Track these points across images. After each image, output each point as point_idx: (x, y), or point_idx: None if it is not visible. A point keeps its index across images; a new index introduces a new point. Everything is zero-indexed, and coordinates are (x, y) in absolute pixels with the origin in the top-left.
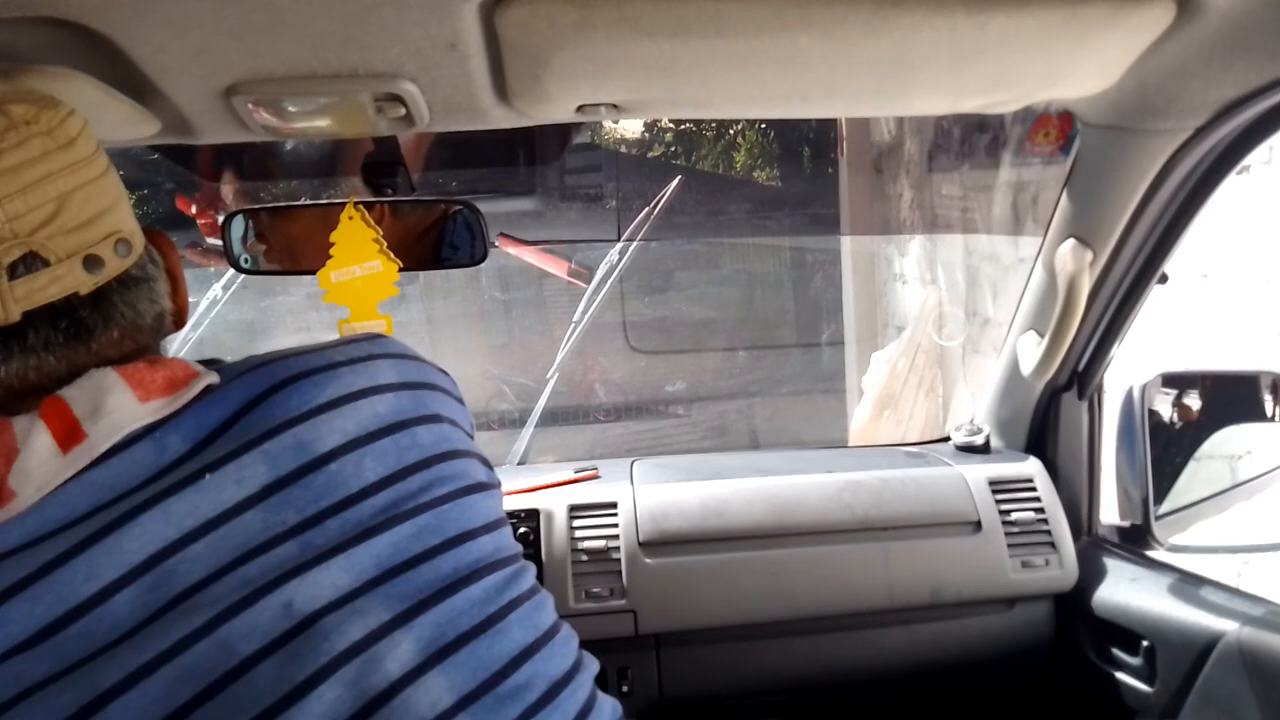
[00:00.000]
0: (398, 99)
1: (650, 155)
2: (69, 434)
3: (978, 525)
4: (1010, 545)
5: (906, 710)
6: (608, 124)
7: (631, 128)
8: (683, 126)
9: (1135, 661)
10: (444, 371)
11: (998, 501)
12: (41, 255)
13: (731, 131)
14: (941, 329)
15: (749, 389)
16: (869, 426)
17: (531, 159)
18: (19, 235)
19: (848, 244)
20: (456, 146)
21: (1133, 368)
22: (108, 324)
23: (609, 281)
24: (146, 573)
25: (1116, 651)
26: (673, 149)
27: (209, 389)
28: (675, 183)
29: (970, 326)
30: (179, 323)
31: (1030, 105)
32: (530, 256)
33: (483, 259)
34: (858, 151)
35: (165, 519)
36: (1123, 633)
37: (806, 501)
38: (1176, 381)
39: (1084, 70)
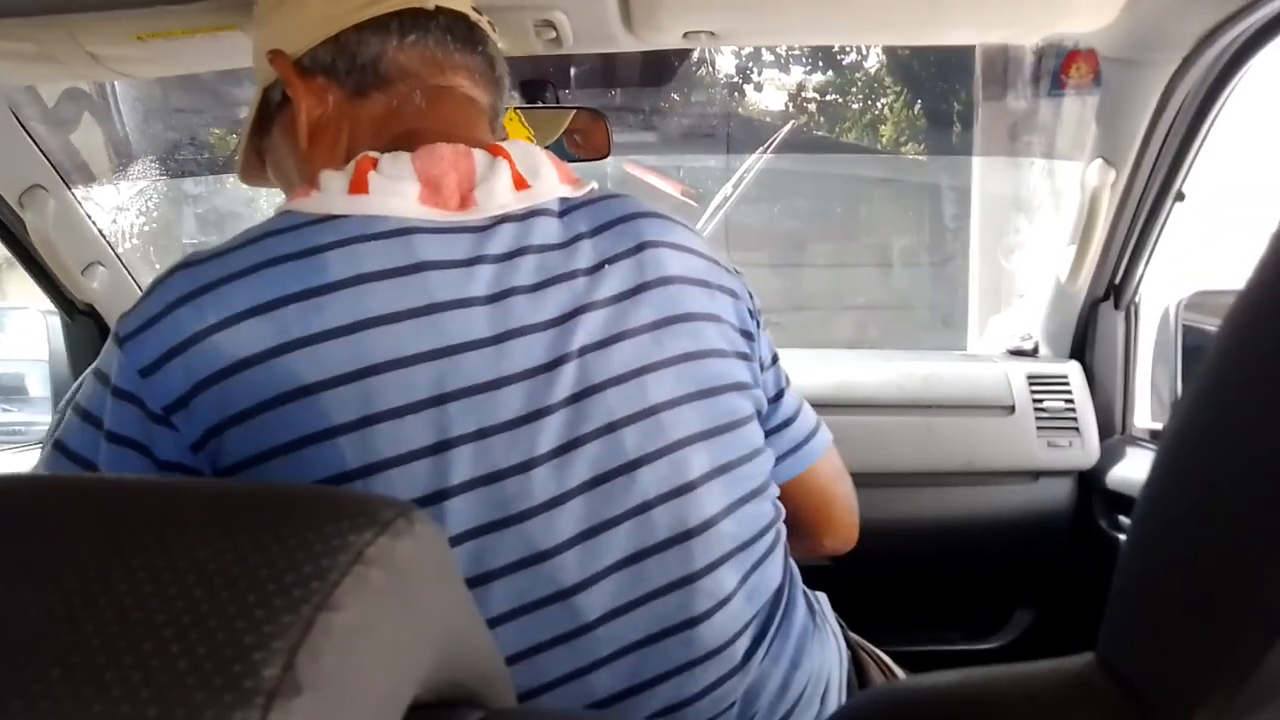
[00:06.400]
0: (550, 24)
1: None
2: (518, 178)
3: (1011, 409)
4: (1039, 428)
5: (930, 561)
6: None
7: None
8: (827, 98)
9: None
10: None
11: (1033, 392)
12: None
13: (880, 105)
14: None
15: None
16: None
17: (657, 103)
18: None
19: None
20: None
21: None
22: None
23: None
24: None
25: (1126, 519)
26: (818, 120)
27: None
28: (788, 127)
29: None
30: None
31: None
32: (651, 177)
33: (606, 154)
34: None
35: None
36: (1134, 502)
37: (863, 380)
38: (1210, 298)
39: (1085, 5)
